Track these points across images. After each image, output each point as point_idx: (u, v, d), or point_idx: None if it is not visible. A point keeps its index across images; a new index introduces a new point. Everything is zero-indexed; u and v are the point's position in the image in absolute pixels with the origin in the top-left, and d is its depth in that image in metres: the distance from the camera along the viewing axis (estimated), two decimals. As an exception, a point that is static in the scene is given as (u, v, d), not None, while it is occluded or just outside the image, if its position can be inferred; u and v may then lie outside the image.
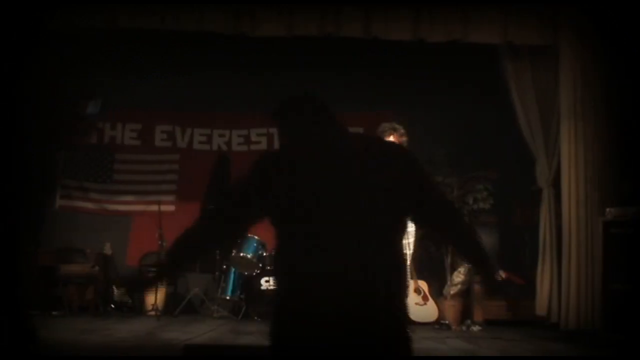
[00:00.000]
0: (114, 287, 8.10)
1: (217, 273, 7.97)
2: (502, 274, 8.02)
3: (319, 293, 2.31)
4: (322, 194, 2.38)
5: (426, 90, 8.36)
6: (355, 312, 2.30)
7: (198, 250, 2.69)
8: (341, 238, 2.33)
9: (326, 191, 2.38)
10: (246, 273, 7.77)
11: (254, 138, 8.96)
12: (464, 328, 7.37)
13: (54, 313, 7.44)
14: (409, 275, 2.40)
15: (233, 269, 7.83)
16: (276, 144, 8.86)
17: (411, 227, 5.08)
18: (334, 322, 2.29)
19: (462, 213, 2.52)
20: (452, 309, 7.56)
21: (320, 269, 2.32)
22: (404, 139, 5.33)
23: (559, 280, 7.01)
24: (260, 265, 7.66)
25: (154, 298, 7.63)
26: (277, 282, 2.50)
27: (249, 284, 7.74)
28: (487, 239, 8.25)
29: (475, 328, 7.30)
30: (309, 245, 2.35)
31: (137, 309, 8.01)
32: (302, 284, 2.35)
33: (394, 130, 5.26)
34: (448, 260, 7.81)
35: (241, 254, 7.68)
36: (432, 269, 7.92)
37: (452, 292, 7.63)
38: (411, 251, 5.31)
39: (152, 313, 7.60)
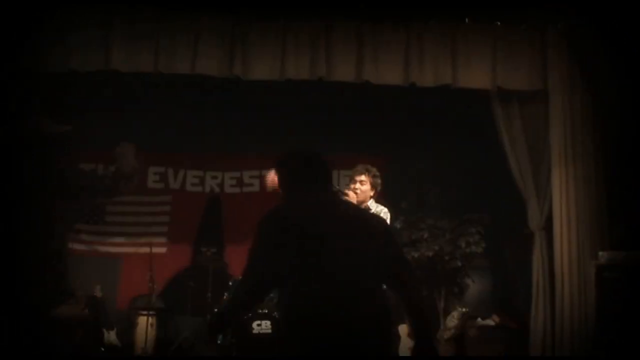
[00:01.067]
0: (104, 330, 8.02)
1: (208, 316, 7.90)
2: (496, 318, 7.99)
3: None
4: (322, 244, 2.91)
5: (418, 133, 8.39)
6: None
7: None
8: (336, 274, 2.87)
9: (325, 242, 2.92)
10: (237, 316, 7.70)
11: (246, 180, 8.97)
12: (457, 373, 7.32)
13: (42, 356, 7.34)
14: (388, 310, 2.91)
15: (224, 312, 7.75)
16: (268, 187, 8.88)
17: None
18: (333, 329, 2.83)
19: (414, 273, 3.19)
20: (446, 354, 7.50)
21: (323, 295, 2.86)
22: (378, 180, 5.58)
23: (553, 325, 6.97)
24: (252, 308, 7.60)
25: (144, 341, 7.56)
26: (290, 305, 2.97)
27: (240, 328, 7.65)
28: (480, 283, 8.24)
29: (469, 373, 7.25)
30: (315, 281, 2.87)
31: (127, 352, 7.92)
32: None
33: (367, 171, 5.57)
34: (441, 305, 7.78)
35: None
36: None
37: (446, 336, 7.58)
38: None
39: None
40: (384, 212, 5.51)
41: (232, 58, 6.83)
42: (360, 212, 3.16)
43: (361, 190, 5.50)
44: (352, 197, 5.43)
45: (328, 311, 2.83)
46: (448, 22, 7.05)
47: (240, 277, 3.28)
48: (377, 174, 5.65)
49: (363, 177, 5.55)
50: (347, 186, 5.62)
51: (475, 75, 7.03)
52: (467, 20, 7.07)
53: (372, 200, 5.61)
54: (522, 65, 7.05)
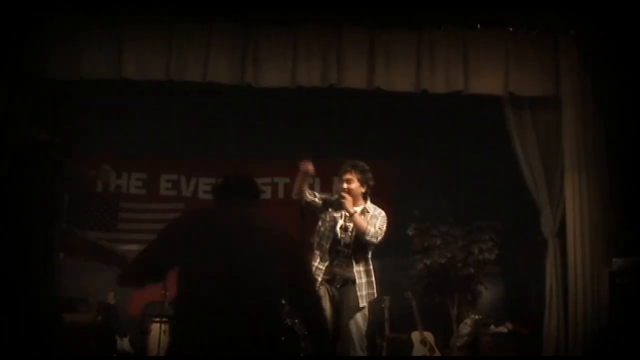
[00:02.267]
0: (117, 337, 8.03)
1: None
2: (509, 325, 7.94)
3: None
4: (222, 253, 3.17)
5: (429, 139, 8.37)
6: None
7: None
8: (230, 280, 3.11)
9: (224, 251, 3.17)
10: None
11: (258, 187, 8.95)
12: (470, 381, 7.27)
13: (55, 363, 7.36)
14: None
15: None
16: (280, 193, 8.90)
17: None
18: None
19: (314, 290, 3.49)
20: (459, 361, 7.47)
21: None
22: (368, 175, 5.44)
23: (566, 332, 6.92)
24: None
25: (157, 348, 7.56)
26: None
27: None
28: (493, 290, 8.20)
29: (482, 381, 7.21)
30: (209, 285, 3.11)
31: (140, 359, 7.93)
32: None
33: (353, 168, 5.40)
34: (454, 311, 7.74)
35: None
36: (437, 319, 7.84)
37: (459, 344, 7.54)
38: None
39: (155, 364, 7.52)
40: (381, 216, 5.38)
41: (244, 65, 6.85)
42: (266, 229, 3.37)
43: (350, 189, 5.33)
44: (348, 199, 5.33)
45: (211, 315, 3.04)
46: (460, 27, 7.05)
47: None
48: (366, 168, 5.42)
49: (349, 176, 5.35)
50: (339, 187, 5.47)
51: (487, 81, 7.01)
52: (478, 26, 7.06)
53: (368, 201, 5.46)
54: (534, 71, 7.03)
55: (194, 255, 3.18)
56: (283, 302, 3.40)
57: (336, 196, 5.43)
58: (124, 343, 8.00)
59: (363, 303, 5.27)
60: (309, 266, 5.04)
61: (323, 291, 5.32)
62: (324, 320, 3.68)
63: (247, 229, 3.29)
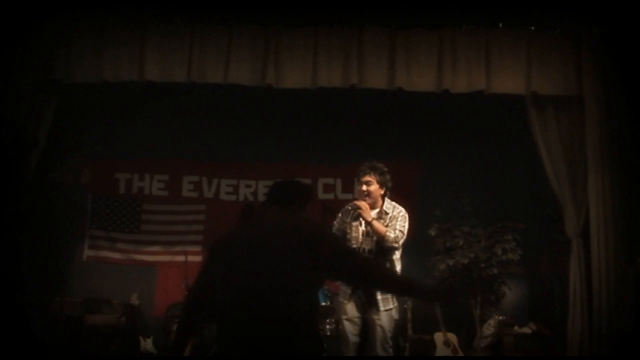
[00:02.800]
0: (140, 338, 8.08)
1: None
2: (533, 326, 7.89)
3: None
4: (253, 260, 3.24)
5: (451, 140, 8.32)
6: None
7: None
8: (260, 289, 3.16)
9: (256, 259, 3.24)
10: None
11: (280, 188, 8.95)
12: (494, 381, 7.23)
13: (79, 364, 7.43)
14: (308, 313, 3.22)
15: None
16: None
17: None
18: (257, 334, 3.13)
19: (375, 266, 3.53)
20: (482, 362, 7.42)
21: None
22: (386, 177, 5.45)
23: (590, 332, 6.86)
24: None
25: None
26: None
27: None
28: (516, 290, 8.13)
29: (506, 382, 7.16)
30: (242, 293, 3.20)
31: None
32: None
33: (372, 170, 5.42)
34: (477, 312, 7.69)
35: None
36: (460, 320, 7.81)
37: (482, 345, 7.50)
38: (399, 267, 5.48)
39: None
40: (401, 215, 5.42)
41: (265, 67, 6.87)
42: (294, 230, 3.36)
43: (369, 191, 5.39)
44: (363, 207, 5.35)
45: (248, 328, 3.14)
46: (481, 27, 7.01)
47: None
48: (385, 169, 5.50)
49: (368, 177, 5.42)
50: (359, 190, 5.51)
51: (509, 80, 6.96)
52: (500, 25, 7.02)
53: (387, 201, 5.50)
54: (557, 70, 6.96)
55: (230, 263, 3.32)
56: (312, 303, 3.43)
57: (351, 209, 5.48)
58: (147, 344, 8.05)
59: (391, 305, 5.31)
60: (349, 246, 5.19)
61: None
62: (396, 277, 4.04)
63: (283, 232, 3.34)
